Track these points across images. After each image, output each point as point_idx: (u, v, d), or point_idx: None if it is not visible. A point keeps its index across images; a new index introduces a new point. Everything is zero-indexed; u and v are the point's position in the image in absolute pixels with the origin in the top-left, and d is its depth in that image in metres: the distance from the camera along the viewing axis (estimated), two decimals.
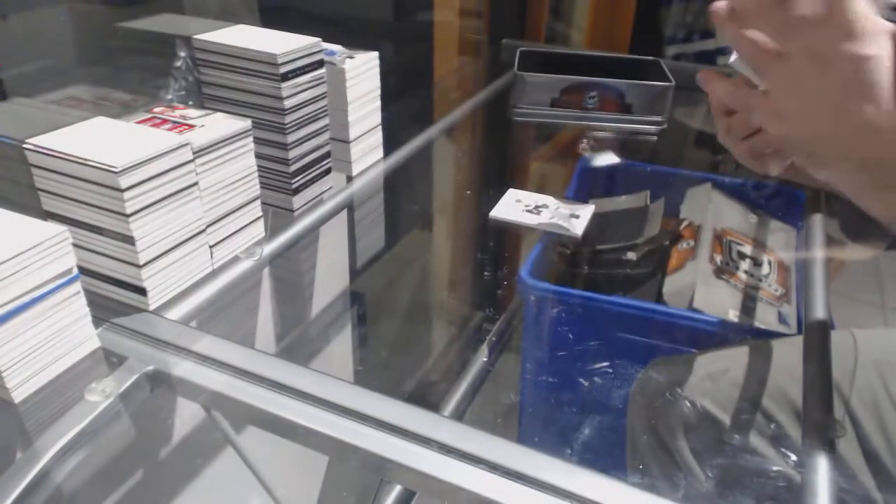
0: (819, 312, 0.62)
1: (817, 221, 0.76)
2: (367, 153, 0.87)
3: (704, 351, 0.70)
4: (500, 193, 0.88)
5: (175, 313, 0.58)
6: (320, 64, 0.73)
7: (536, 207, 0.85)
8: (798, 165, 0.57)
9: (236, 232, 0.66)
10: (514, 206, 0.86)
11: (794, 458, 0.59)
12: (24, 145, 0.54)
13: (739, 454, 0.61)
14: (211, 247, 0.62)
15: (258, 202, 0.68)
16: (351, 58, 0.79)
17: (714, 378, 0.66)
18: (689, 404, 0.65)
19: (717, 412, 0.64)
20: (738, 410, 0.63)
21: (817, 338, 0.58)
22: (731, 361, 0.67)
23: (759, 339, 0.70)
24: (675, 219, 0.97)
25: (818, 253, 0.71)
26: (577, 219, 0.83)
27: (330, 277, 0.86)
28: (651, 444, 0.68)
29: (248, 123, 0.63)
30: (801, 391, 0.53)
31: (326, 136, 0.77)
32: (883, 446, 0.58)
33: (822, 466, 0.46)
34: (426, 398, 0.91)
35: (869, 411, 0.59)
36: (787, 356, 0.65)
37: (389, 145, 0.91)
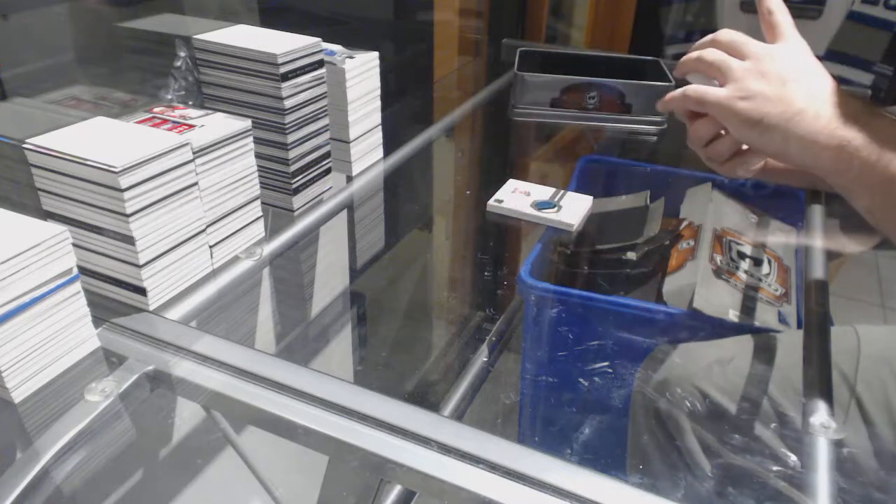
0: (818, 311, 0.61)
1: (817, 221, 0.76)
2: (367, 153, 0.87)
3: (708, 340, 0.71)
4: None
5: (175, 313, 0.58)
6: (320, 64, 0.73)
7: (534, 200, 0.85)
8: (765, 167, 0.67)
9: (236, 232, 0.66)
10: (511, 196, 0.86)
11: (798, 453, 0.58)
12: (24, 145, 0.54)
13: (744, 442, 0.61)
14: (211, 247, 0.62)
15: (258, 202, 0.68)
16: (351, 58, 0.79)
17: (719, 366, 0.66)
18: (693, 391, 0.65)
19: (721, 399, 0.64)
20: (744, 398, 0.63)
21: (817, 337, 0.58)
22: (736, 350, 0.67)
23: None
24: (675, 219, 0.97)
25: (818, 252, 0.71)
26: (573, 211, 0.84)
27: (330, 277, 0.86)
28: (654, 431, 0.68)
29: (248, 123, 0.63)
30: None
31: (326, 136, 0.77)
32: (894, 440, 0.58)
33: (822, 465, 0.46)
34: (426, 398, 0.91)
35: (881, 407, 0.59)
36: (792, 346, 0.65)
37: (389, 145, 0.91)
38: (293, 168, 0.73)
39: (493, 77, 1.30)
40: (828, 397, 0.51)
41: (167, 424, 0.68)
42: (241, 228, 0.66)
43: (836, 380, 0.54)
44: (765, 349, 0.66)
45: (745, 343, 0.68)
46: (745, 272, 0.84)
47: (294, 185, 0.74)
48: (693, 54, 0.62)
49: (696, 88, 0.60)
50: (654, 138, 1.09)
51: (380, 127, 0.88)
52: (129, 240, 0.54)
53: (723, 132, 0.62)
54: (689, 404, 0.65)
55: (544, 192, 0.87)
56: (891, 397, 0.59)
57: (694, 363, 0.68)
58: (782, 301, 0.81)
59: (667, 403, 0.67)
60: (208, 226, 0.61)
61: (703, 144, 0.64)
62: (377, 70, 0.83)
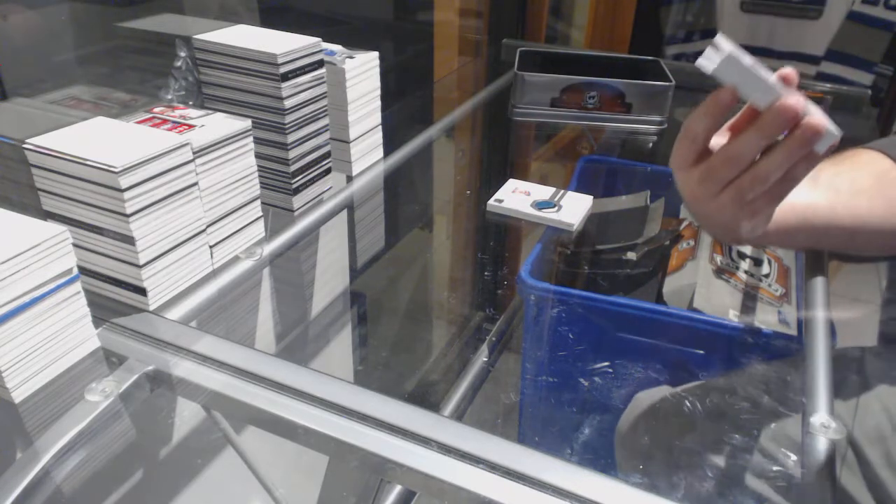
0: (819, 312, 0.62)
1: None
2: (367, 153, 0.87)
3: (687, 384, 0.69)
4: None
5: (175, 313, 0.58)
6: (320, 64, 0.73)
7: (534, 199, 0.85)
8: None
9: (236, 232, 0.66)
10: (511, 196, 0.86)
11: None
12: (24, 145, 0.54)
13: (735, 496, 0.60)
14: (211, 247, 0.62)
15: (258, 202, 0.68)
16: (351, 58, 0.79)
17: (703, 413, 0.64)
18: (677, 443, 0.63)
19: (711, 457, 0.61)
20: (732, 448, 0.61)
21: (817, 339, 0.58)
22: (720, 393, 0.66)
23: (735, 371, 0.68)
24: (675, 219, 0.97)
25: (818, 253, 0.70)
26: (573, 211, 0.84)
27: (330, 277, 0.86)
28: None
29: (248, 123, 0.63)
30: (799, 419, 0.51)
31: (326, 136, 0.77)
32: (891, 479, 0.56)
33: (822, 466, 0.46)
34: (426, 398, 0.91)
35: (875, 446, 0.57)
36: (776, 381, 0.64)
37: (389, 145, 0.91)
38: (293, 168, 0.73)
39: (493, 77, 1.30)
40: (828, 397, 0.51)
41: (167, 424, 0.68)
42: (241, 228, 0.66)
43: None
44: (750, 388, 0.64)
45: (727, 385, 0.66)
46: (745, 272, 0.84)
47: (294, 185, 0.74)
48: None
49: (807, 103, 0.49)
50: (654, 138, 1.09)
51: (380, 127, 0.88)
52: (129, 240, 0.54)
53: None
54: (673, 456, 0.63)
55: (544, 192, 0.87)
56: (884, 434, 0.57)
57: (674, 411, 0.65)
58: (782, 301, 0.81)
59: (650, 455, 0.65)
60: (208, 226, 0.61)
61: (746, 167, 0.51)
62: (377, 70, 0.83)
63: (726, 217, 0.54)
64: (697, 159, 0.52)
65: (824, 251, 0.69)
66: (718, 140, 0.53)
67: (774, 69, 0.51)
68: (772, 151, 0.50)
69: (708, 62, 0.49)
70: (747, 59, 0.49)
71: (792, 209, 0.56)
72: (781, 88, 0.49)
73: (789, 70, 0.50)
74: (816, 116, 0.48)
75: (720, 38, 0.50)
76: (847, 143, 0.67)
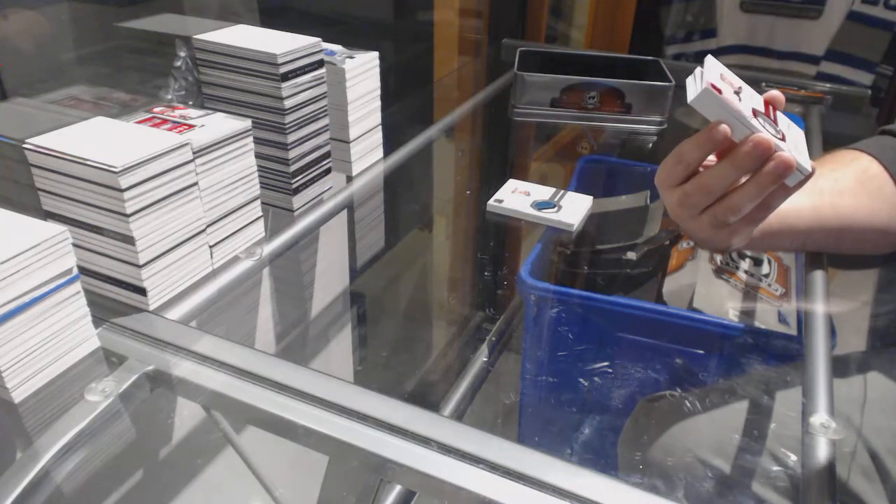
0: (819, 312, 0.62)
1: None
2: (367, 153, 0.87)
3: (693, 391, 0.69)
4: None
5: (175, 313, 0.58)
6: (320, 64, 0.73)
7: (534, 200, 0.85)
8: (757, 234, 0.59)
9: (236, 232, 0.66)
10: (511, 196, 0.86)
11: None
12: (24, 145, 0.54)
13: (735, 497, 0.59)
14: (211, 247, 0.62)
15: (258, 202, 0.68)
16: (351, 58, 0.79)
17: (709, 423, 0.63)
18: (683, 452, 0.62)
19: (713, 460, 0.61)
20: (739, 456, 0.60)
21: (817, 338, 0.58)
22: (726, 400, 0.65)
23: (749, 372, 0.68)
24: None
25: (818, 253, 0.70)
26: (573, 211, 0.84)
27: (330, 277, 0.86)
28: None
29: (248, 123, 0.63)
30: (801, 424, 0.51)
31: (326, 136, 0.77)
32: None
33: (822, 465, 0.46)
34: (426, 398, 0.91)
35: (893, 455, 0.57)
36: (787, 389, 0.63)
37: (389, 145, 0.91)
38: (293, 168, 0.73)
39: (493, 77, 1.30)
40: (828, 397, 0.51)
41: (167, 424, 0.68)
42: (241, 228, 0.66)
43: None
44: (757, 397, 0.64)
45: (734, 390, 0.65)
46: (745, 272, 0.84)
47: (294, 185, 0.74)
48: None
49: (771, 139, 0.50)
50: (654, 138, 1.09)
51: (380, 127, 0.88)
52: (129, 240, 0.54)
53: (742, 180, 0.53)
54: (679, 465, 0.62)
55: (544, 192, 0.87)
56: None
57: (681, 419, 0.64)
58: (782, 301, 0.81)
59: (655, 465, 0.64)
60: (208, 226, 0.61)
61: (720, 196, 0.53)
62: (377, 70, 0.83)
63: (705, 235, 0.57)
64: (683, 181, 0.55)
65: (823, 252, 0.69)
66: None
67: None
68: (745, 183, 0.52)
69: (691, 88, 0.50)
70: (727, 93, 0.49)
71: (775, 213, 0.57)
72: (758, 123, 0.49)
73: (776, 93, 0.53)
74: (788, 153, 0.49)
75: (709, 60, 0.51)
76: (847, 143, 0.68)
